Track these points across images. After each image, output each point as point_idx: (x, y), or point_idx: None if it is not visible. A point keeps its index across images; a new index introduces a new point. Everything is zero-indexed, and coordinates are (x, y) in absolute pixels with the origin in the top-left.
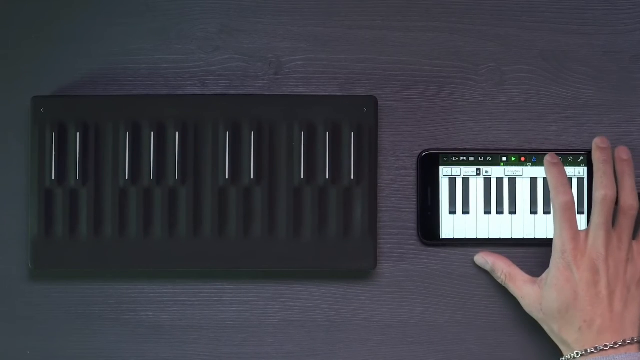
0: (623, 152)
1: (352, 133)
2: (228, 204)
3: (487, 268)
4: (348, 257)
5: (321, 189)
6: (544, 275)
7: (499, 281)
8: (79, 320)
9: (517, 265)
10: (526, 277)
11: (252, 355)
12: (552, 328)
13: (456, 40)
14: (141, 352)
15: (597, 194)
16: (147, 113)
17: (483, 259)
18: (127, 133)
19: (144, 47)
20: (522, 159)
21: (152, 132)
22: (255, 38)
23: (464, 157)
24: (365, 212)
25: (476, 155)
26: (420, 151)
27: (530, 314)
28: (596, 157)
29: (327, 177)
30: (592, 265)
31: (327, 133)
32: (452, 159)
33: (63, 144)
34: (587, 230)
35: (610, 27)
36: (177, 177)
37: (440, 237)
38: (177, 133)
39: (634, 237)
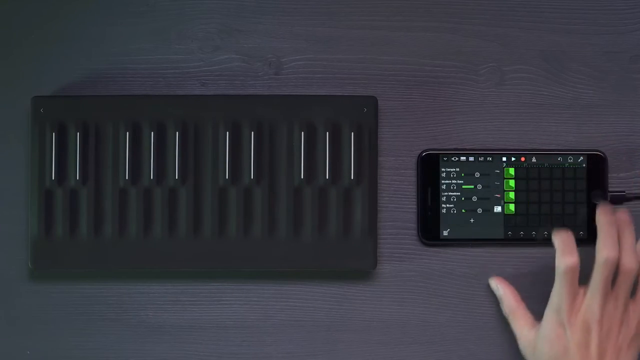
0: (624, 215)
1: (352, 133)
2: (228, 204)
3: (497, 295)
4: (348, 257)
5: (321, 189)
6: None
7: (503, 313)
8: (79, 320)
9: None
10: (528, 318)
11: (252, 355)
12: None
13: (456, 40)
14: (141, 352)
15: (600, 255)
16: (147, 113)
17: (495, 285)
18: (127, 133)
19: (144, 47)
20: (522, 159)
21: (152, 132)
22: (255, 38)
23: (464, 157)
24: (365, 212)
25: (476, 155)
26: (420, 151)
27: (524, 355)
28: (600, 219)
29: (327, 177)
30: (586, 325)
31: (327, 133)
32: (452, 159)
33: (63, 144)
34: (584, 290)
35: (610, 27)
36: (177, 177)
37: (440, 237)
38: (177, 133)
39: (631, 295)
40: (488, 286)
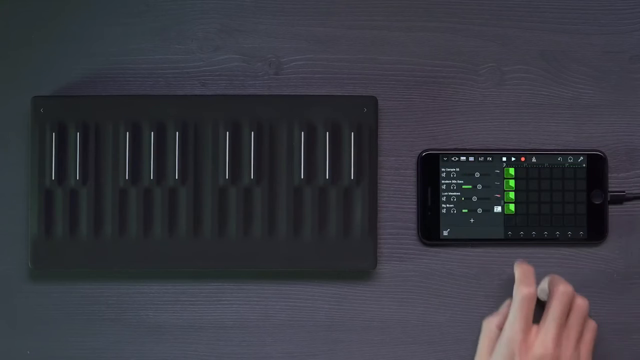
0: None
1: (352, 133)
2: (228, 204)
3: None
4: (348, 257)
5: (321, 189)
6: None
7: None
8: (79, 320)
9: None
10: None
11: (252, 355)
12: None
13: (456, 40)
14: (141, 352)
15: (556, 289)
16: (147, 113)
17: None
18: (127, 133)
19: (144, 47)
20: (522, 159)
21: (152, 132)
22: (255, 38)
23: (464, 157)
24: (365, 212)
25: (476, 155)
26: (420, 151)
27: (482, 339)
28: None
29: (327, 177)
30: (537, 358)
31: (327, 133)
32: (452, 159)
33: (63, 144)
34: (539, 324)
35: (610, 27)
36: (177, 177)
37: (440, 237)
38: (177, 133)
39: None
40: (488, 286)
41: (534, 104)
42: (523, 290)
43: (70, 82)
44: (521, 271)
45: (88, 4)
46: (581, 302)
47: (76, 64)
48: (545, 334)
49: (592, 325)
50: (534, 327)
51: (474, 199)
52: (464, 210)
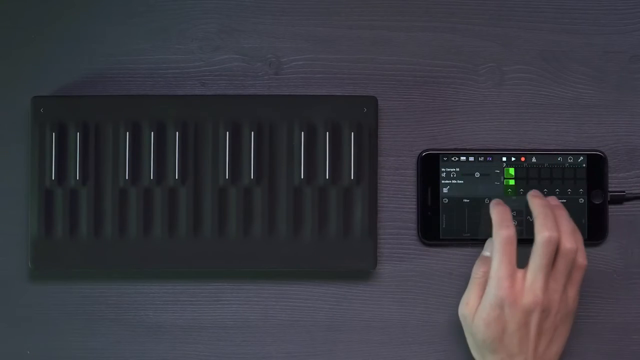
0: (554, 200)
1: (352, 133)
2: (228, 204)
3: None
4: (348, 257)
5: (321, 189)
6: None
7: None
8: (79, 320)
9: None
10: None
11: (252, 355)
12: (474, 345)
13: (456, 40)
14: (141, 352)
15: (540, 236)
16: (147, 113)
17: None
18: (127, 133)
19: (144, 47)
20: (522, 159)
21: (152, 132)
22: (255, 38)
23: (464, 157)
24: (365, 212)
25: (476, 155)
26: (420, 151)
27: (461, 316)
28: (534, 203)
29: (327, 177)
30: (527, 307)
31: (327, 133)
32: (452, 159)
33: (63, 144)
34: (525, 271)
35: (610, 27)
36: (177, 177)
37: (440, 237)
38: (177, 133)
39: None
40: None
41: (534, 104)
42: (502, 233)
43: (70, 82)
44: (498, 213)
45: (88, 4)
46: (569, 247)
47: (76, 64)
48: (533, 282)
49: (579, 264)
50: (520, 272)
51: (474, 199)
52: (464, 210)
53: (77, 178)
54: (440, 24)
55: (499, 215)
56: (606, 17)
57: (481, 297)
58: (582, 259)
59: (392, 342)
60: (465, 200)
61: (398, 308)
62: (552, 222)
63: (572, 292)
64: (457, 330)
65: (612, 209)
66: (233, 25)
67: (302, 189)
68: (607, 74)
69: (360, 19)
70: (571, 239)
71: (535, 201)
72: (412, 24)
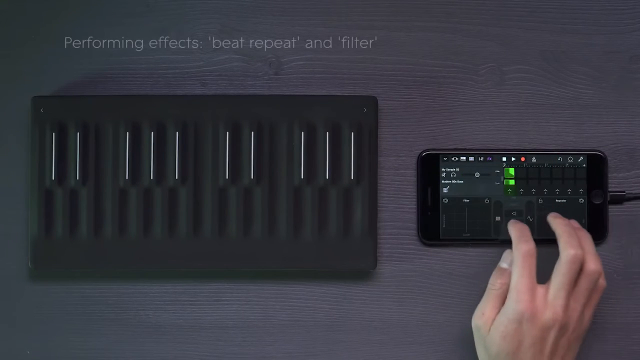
0: (574, 222)
1: (352, 133)
2: (228, 204)
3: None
4: (348, 257)
5: (321, 189)
6: (502, 310)
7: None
8: (79, 320)
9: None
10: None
11: (253, 355)
12: (486, 356)
13: (456, 40)
14: (141, 352)
15: (566, 253)
16: (147, 113)
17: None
18: (127, 133)
19: (144, 47)
20: (522, 159)
21: (152, 132)
22: (256, 38)
23: (464, 157)
24: (365, 212)
25: (476, 155)
26: (420, 151)
27: (475, 328)
28: (557, 223)
29: (327, 177)
30: (546, 323)
31: (327, 133)
32: (452, 159)
33: (63, 144)
34: (546, 286)
35: (610, 27)
36: (177, 177)
37: (440, 237)
38: (177, 133)
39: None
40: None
41: (534, 104)
42: (523, 247)
43: (70, 82)
44: (516, 229)
45: (88, 4)
46: (593, 268)
47: (76, 64)
48: (555, 298)
49: (600, 285)
50: (540, 287)
51: (474, 199)
52: (464, 210)
53: (77, 178)
54: (440, 24)
55: (519, 231)
56: (606, 17)
57: (498, 308)
58: (603, 281)
59: (392, 342)
60: (466, 200)
61: (398, 308)
62: (576, 240)
63: (589, 314)
64: (457, 330)
65: (612, 209)
66: (233, 25)
67: (302, 189)
68: (607, 74)
69: (360, 19)
70: (597, 261)
71: (557, 221)
72: (412, 24)
